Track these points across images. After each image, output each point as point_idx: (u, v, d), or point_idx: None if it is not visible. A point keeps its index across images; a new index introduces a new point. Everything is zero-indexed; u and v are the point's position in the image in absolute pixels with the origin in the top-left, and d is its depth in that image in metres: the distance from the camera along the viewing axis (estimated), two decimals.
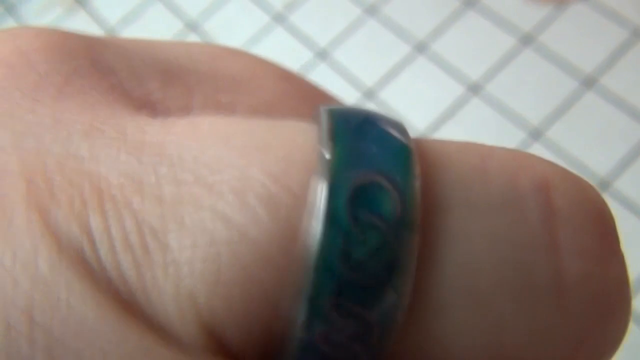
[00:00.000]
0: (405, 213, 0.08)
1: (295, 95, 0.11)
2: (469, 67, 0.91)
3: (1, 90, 0.09)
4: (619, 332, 0.09)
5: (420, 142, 0.09)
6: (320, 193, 0.08)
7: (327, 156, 0.08)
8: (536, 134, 0.85)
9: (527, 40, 0.91)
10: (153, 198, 0.08)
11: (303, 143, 0.09)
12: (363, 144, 0.09)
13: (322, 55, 0.97)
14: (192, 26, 1.05)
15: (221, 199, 0.08)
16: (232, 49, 0.12)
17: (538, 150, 0.84)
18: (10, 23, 1.14)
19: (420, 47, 0.94)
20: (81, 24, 1.10)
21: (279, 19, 1.01)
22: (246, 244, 0.08)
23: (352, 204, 0.08)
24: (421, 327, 0.08)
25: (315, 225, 0.08)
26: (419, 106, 0.90)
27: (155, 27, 1.06)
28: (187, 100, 0.10)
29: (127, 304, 0.08)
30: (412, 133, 0.09)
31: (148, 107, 0.10)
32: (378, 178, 0.08)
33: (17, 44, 0.10)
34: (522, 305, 0.08)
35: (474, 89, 0.89)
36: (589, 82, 0.87)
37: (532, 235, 0.09)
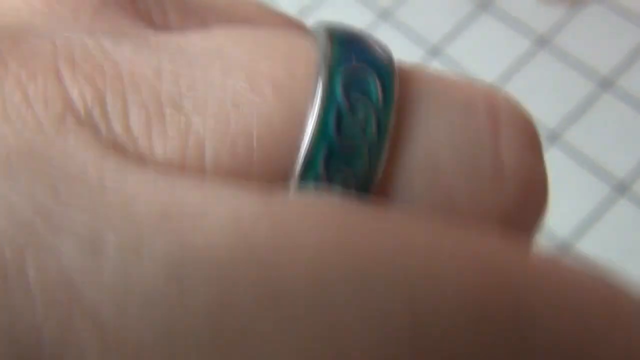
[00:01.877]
0: (387, 97, 0.11)
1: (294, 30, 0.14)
2: (483, 70, 0.90)
3: (51, 10, 0.11)
4: (543, 207, 0.12)
5: (408, 68, 0.12)
6: (322, 78, 0.10)
7: (328, 52, 0.11)
8: (552, 137, 0.85)
9: (542, 42, 0.91)
10: (171, 78, 0.10)
11: (305, 44, 0.11)
12: (357, 46, 0.11)
13: None
14: None
15: (234, 79, 0.10)
16: None
17: (555, 153, 0.84)
18: None
19: (434, 51, 0.94)
20: None
21: None
22: (253, 114, 0.10)
23: (346, 85, 0.10)
24: (391, 182, 0.11)
25: (317, 102, 0.10)
26: None
27: None
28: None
29: (128, 154, 0.09)
30: None
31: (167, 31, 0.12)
32: (367, 69, 0.11)
33: None
34: (469, 177, 0.11)
35: None
36: (606, 84, 0.86)
37: (481, 129, 0.11)
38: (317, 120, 0.10)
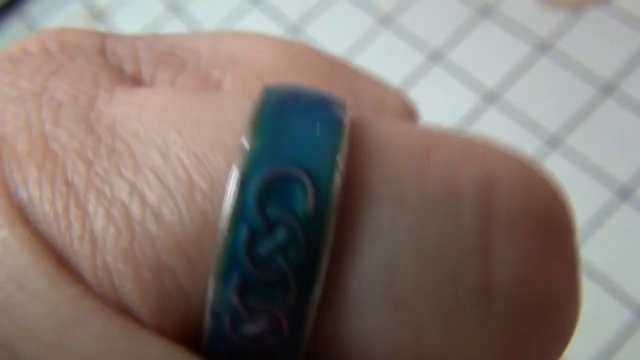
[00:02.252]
0: (319, 209, 0.08)
1: (293, 67, 0.11)
2: (484, 75, 0.90)
3: (13, 66, 0.10)
4: (556, 344, 0.09)
5: (361, 126, 0.09)
6: (232, 185, 0.08)
7: (246, 145, 0.08)
8: (554, 142, 0.85)
9: (543, 47, 0.91)
10: (86, 164, 0.09)
11: (233, 125, 0.09)
12: (286, 133, 0.08)
13: None
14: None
15: (141, 175, 0.08)
16: (239, 31, 0.12)
17: (557, 158, 0.84)
18: None
19: (436, 57, 0.94)
20: None
21: (293, 31, 1.01)
22: (159, 225, 0.08)
23: (262, 198, 0.08)
24: (337, 322, 0.08)
25: (224, 218, 0.08)
26: (435, 116, 0.90)
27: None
28: (174, 76, 0.11)
29: (58, 257, 0.08)
30: None
31: (134, 82, 0.10)
32: (294, 171, 0.08)
33: (40, 37, 0.11)
34: (442, 309, 0.08)
35: (490, 97, 0.89)
36: (607, 89, 0.86)
37: (462, 237, 0.08)
38: (223, 244, 0.08)
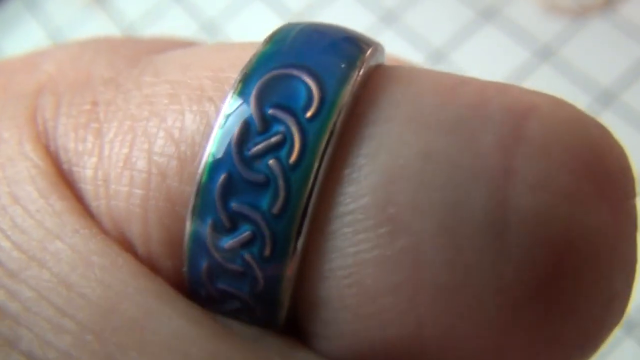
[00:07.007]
0: (319, 113, 0.07)
1: None
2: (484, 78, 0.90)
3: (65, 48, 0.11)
4: (591, 308, 0.07)
5: (391, 65, 0.09)
6: (235, 83, 0.08)
7: (257, 51, 0.08)
8: None
9: (544, 53, 0.90)
10: (114, 86, 0.09)
11: (254, 49, 0.09)
12: (299, 43, 0.08)
13: None
14: (209, 28, 1.05)
15: (158, 87, 0.09)
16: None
17: None
18: (27, 19, 1.15)
19: (436, 57, 0.93)
20: (99, 23, 1.10)
21: (295, 17, 1.00)
22: (159, 128, 0.08)
23: (262, 96, 0.07)
24: (326, 246, 0.07)
25: (219, 114, 0.08)
26: None
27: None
28: None
29: (64, 173, 0.09)
30: None
31: None
32: (299, 73, 0.08)
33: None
34: (447, 235, 0.07)
35: None
36: (607, 98, 0.86)
37: (479, 156, 0.07)
38: (213, 139, 0.08)
